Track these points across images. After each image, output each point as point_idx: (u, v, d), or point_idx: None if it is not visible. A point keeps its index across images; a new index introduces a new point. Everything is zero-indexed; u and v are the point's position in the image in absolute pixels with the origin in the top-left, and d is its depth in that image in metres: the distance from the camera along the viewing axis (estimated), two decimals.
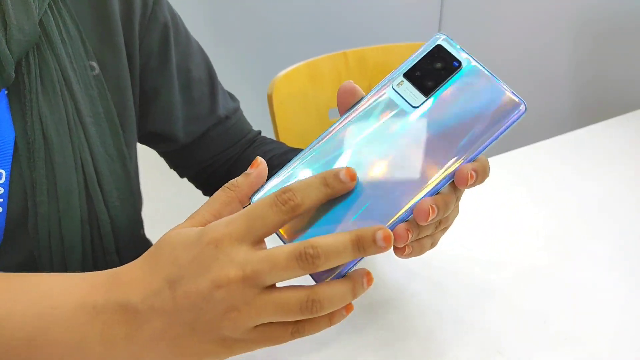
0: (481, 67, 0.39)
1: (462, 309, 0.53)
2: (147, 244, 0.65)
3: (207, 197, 0.74)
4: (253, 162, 0.37)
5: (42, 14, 0.50)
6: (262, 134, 0.75)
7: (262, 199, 0.34)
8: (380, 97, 0.39)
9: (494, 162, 0.80)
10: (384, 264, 0.59)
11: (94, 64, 0.55)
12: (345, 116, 0.38)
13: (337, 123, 0.38)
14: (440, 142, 0.38)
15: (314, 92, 1.04)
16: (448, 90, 0.38)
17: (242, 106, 0.73)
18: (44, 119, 0.50)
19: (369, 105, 0.38)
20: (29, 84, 0.49)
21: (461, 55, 0.39)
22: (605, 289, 0.55)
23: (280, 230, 0.35)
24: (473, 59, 0.39)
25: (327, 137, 0.38)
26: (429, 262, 0.59)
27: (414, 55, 0.39)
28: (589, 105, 1.18)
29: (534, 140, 0.87)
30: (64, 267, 0.52)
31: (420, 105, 0.38)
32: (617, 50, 1.11)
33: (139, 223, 0.62)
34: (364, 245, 0.33)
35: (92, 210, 0.54)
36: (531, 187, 0.74)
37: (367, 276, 0.35)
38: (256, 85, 1.67)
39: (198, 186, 0.74)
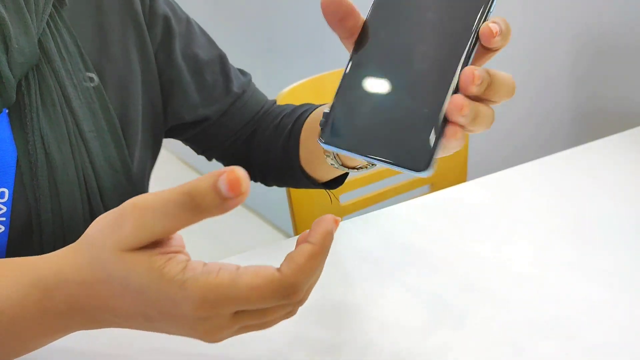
0: None
1: (457, 312, 0.53)
2: None
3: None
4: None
5: (40, 33, 0.50)
6: None
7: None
8: None
9: (492, 179, 0.81)
10: (381, 263, 0.60)
11: (93, 75, 0.54)
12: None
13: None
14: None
15: None
16: None
17: None
18: (45, 137, 0.50)
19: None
20: (30, 102, 0.49)
21: None
22: (600, 301, 0.56)
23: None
24: None
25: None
26: (419, 265, 0.60)
27: None
28: (588, 122, 1.19)
29: (531, 158, 0.87)
30: None
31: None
32: (618, 68, 1.12)
33: None
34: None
35: None
36: (530, 203, 0.75)
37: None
38: None
39: (225, 164, 0.73)
